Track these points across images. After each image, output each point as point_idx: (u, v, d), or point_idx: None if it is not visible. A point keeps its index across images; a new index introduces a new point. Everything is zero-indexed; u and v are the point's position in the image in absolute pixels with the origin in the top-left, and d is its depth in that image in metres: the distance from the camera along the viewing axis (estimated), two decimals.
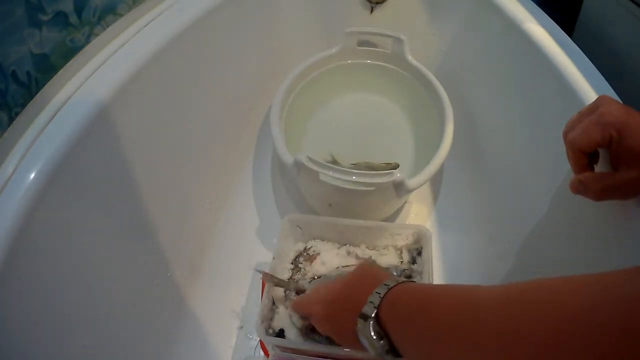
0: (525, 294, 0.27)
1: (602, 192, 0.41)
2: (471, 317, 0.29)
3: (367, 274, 0.43)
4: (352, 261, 0.66)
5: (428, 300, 0.34)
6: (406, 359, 0.36)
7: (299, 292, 0.59)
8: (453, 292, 0.33)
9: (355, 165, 0.76)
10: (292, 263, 0.67)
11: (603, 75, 0.56)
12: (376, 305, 0.37)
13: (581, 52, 0.61)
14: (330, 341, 0.55)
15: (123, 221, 0.56)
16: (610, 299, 0.23)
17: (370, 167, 0.76)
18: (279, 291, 0.61)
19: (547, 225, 0.57)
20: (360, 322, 0.37)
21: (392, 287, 0.38)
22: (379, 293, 0.38)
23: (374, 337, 0.36)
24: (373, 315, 0.36)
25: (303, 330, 0.57)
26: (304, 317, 0.55)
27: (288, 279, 0.64)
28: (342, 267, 0.65)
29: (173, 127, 0.66)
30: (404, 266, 0.65)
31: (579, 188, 0.42)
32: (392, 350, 0.36)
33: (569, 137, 0.42)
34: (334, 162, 0.77)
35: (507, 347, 0.26)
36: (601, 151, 0.43)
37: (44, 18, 0.52)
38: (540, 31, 0.64)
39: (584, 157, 0.42)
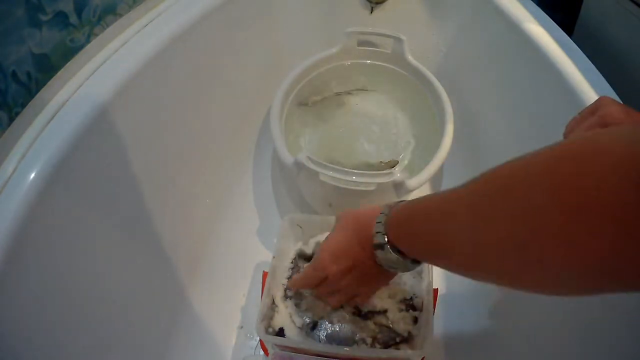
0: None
1: None
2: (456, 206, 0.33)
3: (360, 215, 0.48)
4: None
5: (419, 208, 0.39)
6: (424, 260, 0.42)
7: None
8: (433, 198, 0.37)
9: (356, 165, 0.76)
10: (292, 262, 0.67)
11: (603, 75, 0.56)
12: (384, 232, 0.42)
13: (581, 52, 0.61)
14: (329, 340, 0.55)
15: (123, 221, 0.56)
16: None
17: (370, 166, 0.76)
18: (279, 290, 0.61)
19: None
20: (378, 252, 0.42)
21: (389, 213, 0.42)
22: (381, 222, 0.42)
23: (395, 257, 0.41)
24: (385, 241, 0.41)
25: (303, 329, 0.57)
26: (313, 289, 0.55)
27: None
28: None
29: (173, 127, 0.66)
30: None
31: None
32: (411, 260, 0.42)
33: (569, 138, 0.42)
34: (334, 162, 0.77)
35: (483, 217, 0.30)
36: None
37: (44, 18, 0.52)
38: (540, 31, 0.64)
39: None
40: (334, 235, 0.49)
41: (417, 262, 0.42)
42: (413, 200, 0.40)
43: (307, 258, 0.63)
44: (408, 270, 0.43)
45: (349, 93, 0.87)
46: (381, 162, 0.76)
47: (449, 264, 0.37)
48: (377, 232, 0.42)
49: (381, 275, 0.47)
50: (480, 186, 0.32)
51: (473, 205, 0.31)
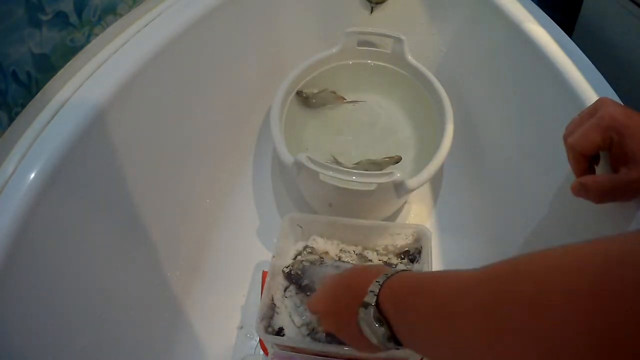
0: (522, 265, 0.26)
1: (602, 194, 0.41)
2: (463, 294, 0.28)
3: (366, 268, 0.44)
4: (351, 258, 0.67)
5: (425, 284, 0.34)
6: (407, 346, 0.36)
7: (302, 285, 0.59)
8: (450, 275, 0.32)
9: (359, 163, 0.76)
10: (291, 261, 0.67)
11: (603, 76, 0.56)
12: (376, 293, 0.37)
13: (581, 52, 0.61)
14: (329, 339, 0.55)
15: (123, 221, 0.56)
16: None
17: (373, 162, 0.76)
18: (279, 290, 0.61)
19: (547, 226, 0.57)
20: (361, 310, 0.38)
21: (391, 276, 0.39)
22: (379, 282, 0.38)
23: (376, 325, 0.37)
24: (374, 303, 0.37)
25: (303, 328, 0.57)
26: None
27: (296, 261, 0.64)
28: (340, 260, 0.65)
29: (173, 127, 0.66)
30: (403, 266, 0.65)
31: (580, 190, 0.42)
32: (394, 338, 0.37)
33: (569, 140, 0.42)
34: (334, 162, 0.77)
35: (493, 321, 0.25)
36: (602, 153, 0.43)
37: (44, 18, 0.52)
38: (540, 31, 0.64)
39: (584, 160, 0.42)
40: (336, 276, 0.47)
41: (396, 342, 0.37)
42: (423, 272, 0.38)
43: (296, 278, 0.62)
44: (382, 346, 0.38)
45: (349, 101, 0.87)
46: (385, 157, 0.76)
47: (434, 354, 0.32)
48: (370, 291, 0.38)
49: (356, 340, 0.41)
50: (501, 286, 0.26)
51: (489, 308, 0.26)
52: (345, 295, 0.43)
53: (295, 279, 0.61)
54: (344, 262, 0.65)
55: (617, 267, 0.20)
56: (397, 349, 0.37)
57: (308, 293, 0.59)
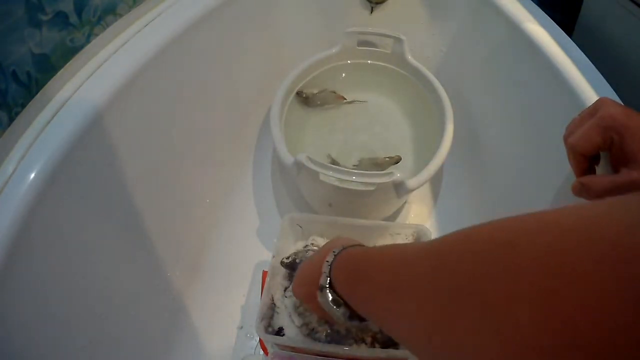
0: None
1: (603, 194, 0.41)
2: (403, 269, 0.28)
3: (323, 248, 0.44)
4: None
5: (372, 256, 0.34)
6: (369, 320, 0.35)
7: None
8: (391, 249, 0.32)
9: (359, 162, 0.76)
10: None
11: (603, 75, 0.56)
12: (328, 274, 0.37)
13: (581, 52, 0.61)
14: (329, 339, 0.55)
15: (123, 221, 0.56)
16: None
17: (373, 162, 0.76)
18: (279, 290, 0.61)
19: None
20: (319, 294, 0.38)
21: (338, 254, 0.38)
22: (328, 261, 0.38)
23: (334, 307, 0.37)
24: (327, 284, 0.37)
25: (302, 328, 0.57)
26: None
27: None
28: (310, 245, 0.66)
29: (173, 127, 0.66)
30: None
31: (581, 190, 0.42)
32: (357, 315, 0.36)
33: (569, 141, 0.42)
34: (334, 162, 0.77)
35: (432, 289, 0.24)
36: (602, 153, 0.43)
37: (44, 18, 0.52)
38: (540, 31, 0.64)
39: (584, 160, 0.42)
40: (308, 259, 0.47)
41: (360, 319, 0.37)
42: (361, 247, 0.37)
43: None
44: (345, 324, 0.37)
45: (348, 100, 0.87)
46: (385, 157, 0.76)
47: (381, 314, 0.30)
48: (323, 272, 0.38)
49: (333, 320, 0.42)
50: (453, 246, 0.25)
51: (439, 262, 0.25)
52: (308, 277, 0.43)
53: (295, 266, 0.61)
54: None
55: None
56: (361, 324, 0.38)
57: None
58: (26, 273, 0.41)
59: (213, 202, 0.77)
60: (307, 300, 0.45)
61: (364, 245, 0.41)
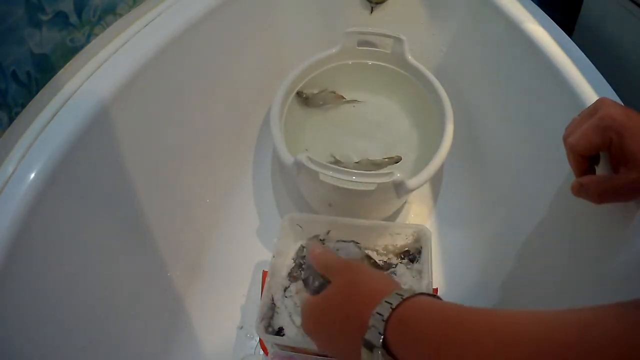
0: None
1: (602, 194, 0.41)
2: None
3: (360, 283, 0.38)
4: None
5: (453, 323, 0.29)
6: None
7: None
8: (484, 316, 0.28)
9: (359, 163, 0.76)
10: (292, 260, 0.67)
11: (603, 75, 0.56)
12: (381, 331, 0.31)
13: (581, 52, 0.61)
14: None
15: (123, 221, 0.56)
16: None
17: (373, 162, 0.76)
18: (279, 290, 0.61)
19: (547, 226, 0.57)
20: (365, 352, 0.32)
21: (397, 306, 0.32)
22: (382, 315, 0.32)
23: None
24: (380, 343, 0.31)
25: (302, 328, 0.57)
26: None
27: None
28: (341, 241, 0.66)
29: (173, 127, 0.66)
30: (404, 266, 0.65)
31: (580, 190, 0.42)
32: None
33: (568, 141, 0.42)
34: (335, 162, 0.77)
35: None
36: (602, 153, 0.43)
37: (44, 18, 0.52)
38: (540, 31, 0.64)
39: (584, 160, 0.42)
40: (332, 291, 0.40)
41: None
42: (430, 299, 0.32)
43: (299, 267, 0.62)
44: None
45: (348, 100, 0.87)
46: (384, 158, 0.76)
47: None
48: (372, 326, 0.32)
49: None
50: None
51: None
52: (340, 323, 0.36)
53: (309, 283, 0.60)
54: (344, 241, 0.65)
55: None
56: None
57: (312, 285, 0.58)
58: (26, 273, 0.41)
59: (213, 202, 0.77)
60: (327, 344, 0.39)
61: (430, 295, 0.34)
